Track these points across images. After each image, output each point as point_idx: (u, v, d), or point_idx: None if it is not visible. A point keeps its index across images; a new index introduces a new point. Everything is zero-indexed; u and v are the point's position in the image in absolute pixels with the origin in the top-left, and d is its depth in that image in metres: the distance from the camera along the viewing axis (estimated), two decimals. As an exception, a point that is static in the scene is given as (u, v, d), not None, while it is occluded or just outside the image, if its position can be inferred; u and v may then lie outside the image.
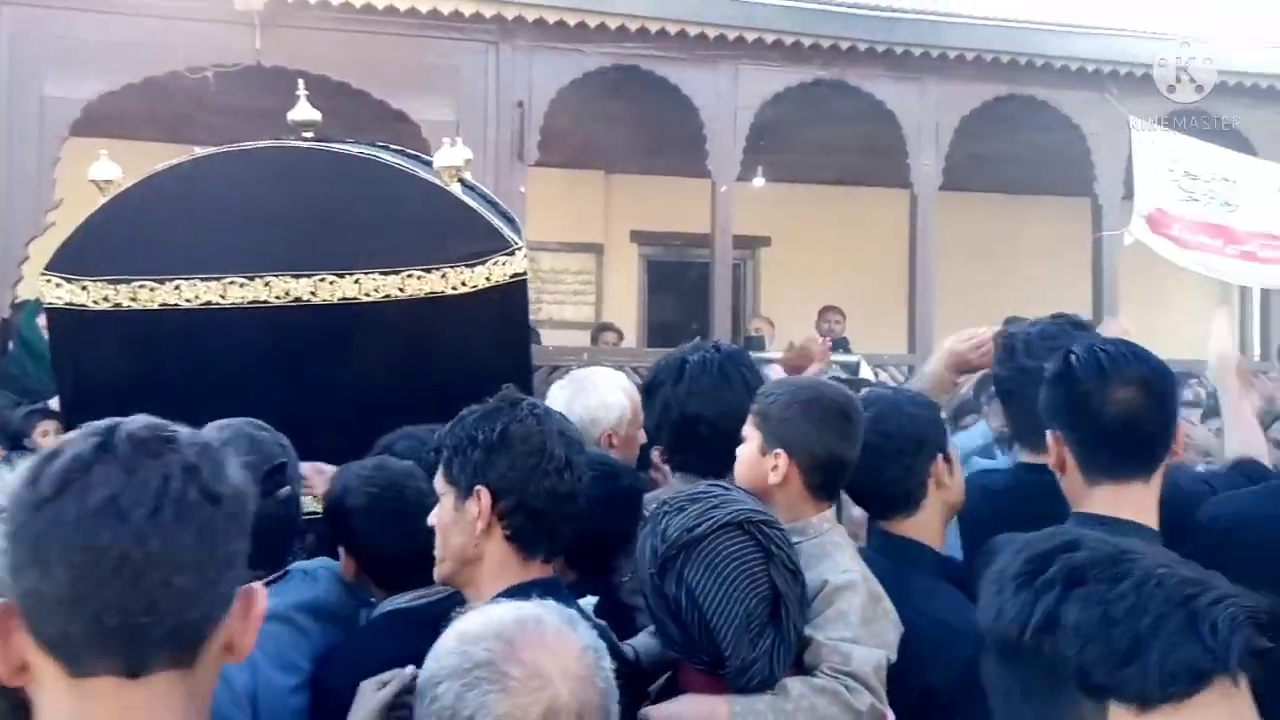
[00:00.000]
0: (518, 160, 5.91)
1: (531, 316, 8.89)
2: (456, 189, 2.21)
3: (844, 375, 5.61)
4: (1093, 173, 6.78)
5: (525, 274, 2.22)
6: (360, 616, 1.75)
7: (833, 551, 1.57)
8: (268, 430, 1.67)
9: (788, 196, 8.73)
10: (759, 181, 8.26)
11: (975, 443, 3.72)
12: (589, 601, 1.75)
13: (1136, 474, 1.53)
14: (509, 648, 0.94)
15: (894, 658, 1.50)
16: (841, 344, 6.81)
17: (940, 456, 1.74)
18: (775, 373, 3.36)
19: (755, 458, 1.64)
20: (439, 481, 1.47)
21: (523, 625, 0.97)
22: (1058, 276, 7.33)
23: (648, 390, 2.00)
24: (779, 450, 1.61)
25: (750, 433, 1.66)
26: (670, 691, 1.43)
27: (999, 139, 7.33)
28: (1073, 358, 1.57)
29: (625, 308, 8.95)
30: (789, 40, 6.07)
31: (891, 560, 1.72)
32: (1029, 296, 6.90)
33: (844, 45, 6.20)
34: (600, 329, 7.67)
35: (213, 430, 1.50)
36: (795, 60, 6.25)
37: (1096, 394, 1.53)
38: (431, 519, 1.46)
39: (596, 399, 2.21)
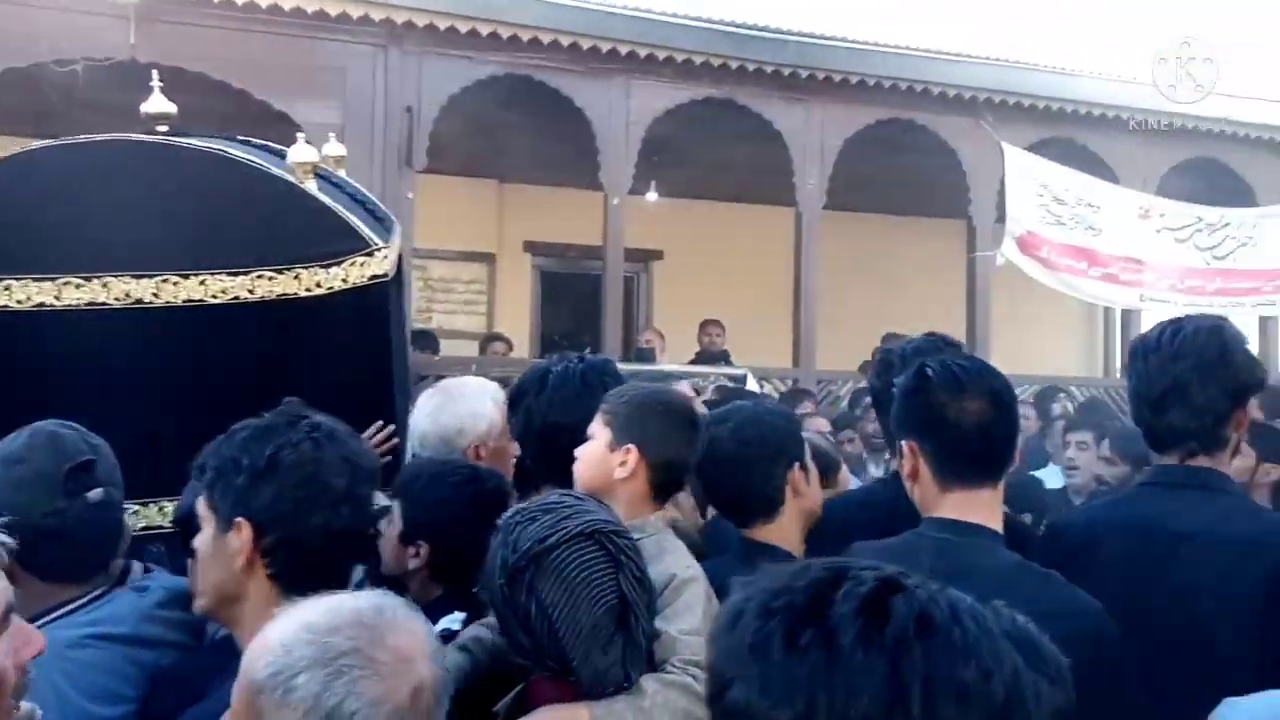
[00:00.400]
0: (406, 166, 5.83)
1: (424, 325, 8.72)
2: (311, 185, 2.11)
3: (730, 386, 5.73)
4: (968, 196, 7.08)
5: (387, 276, 2.12)
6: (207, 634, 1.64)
7: (669, 549, 1.60)
8: (75, 429, 1.55)
9: (680, 211, 8.84)
10: (652, 196, 8.34)
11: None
12: (456, 618, 1.72)
13: (986, 480, 1.61)
14: (373, 634, 0.97)
15: None
16: (722, 357, 6.93)
17: (797, 465, 1.80)
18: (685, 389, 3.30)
19: (602, 453, 1.66)
20: (200, 505, 1.35)
21: (380, 612, 1.00)
22: (935, 294, 7.64)
23: (512, 401, 1.99)
24: (630, 446, 1.64)
25: (598, 430, 1.68)
26: (521, 704, 1.43)
27: (881, 161, 7.58)
28: (929, 371, 1.64)
29: (518, 318, 8.90)
30: (681, 57, 6.16)
31: (753, 566, 1.77)
32: (907, 314, 7.17)
33: (734, 65, 6.32)
34: (489, 339, 7.61)
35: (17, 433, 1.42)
36: (687, 77, 6.34)
37: (952, 405, 1.60)
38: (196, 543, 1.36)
39: (466, 408, 2.17)
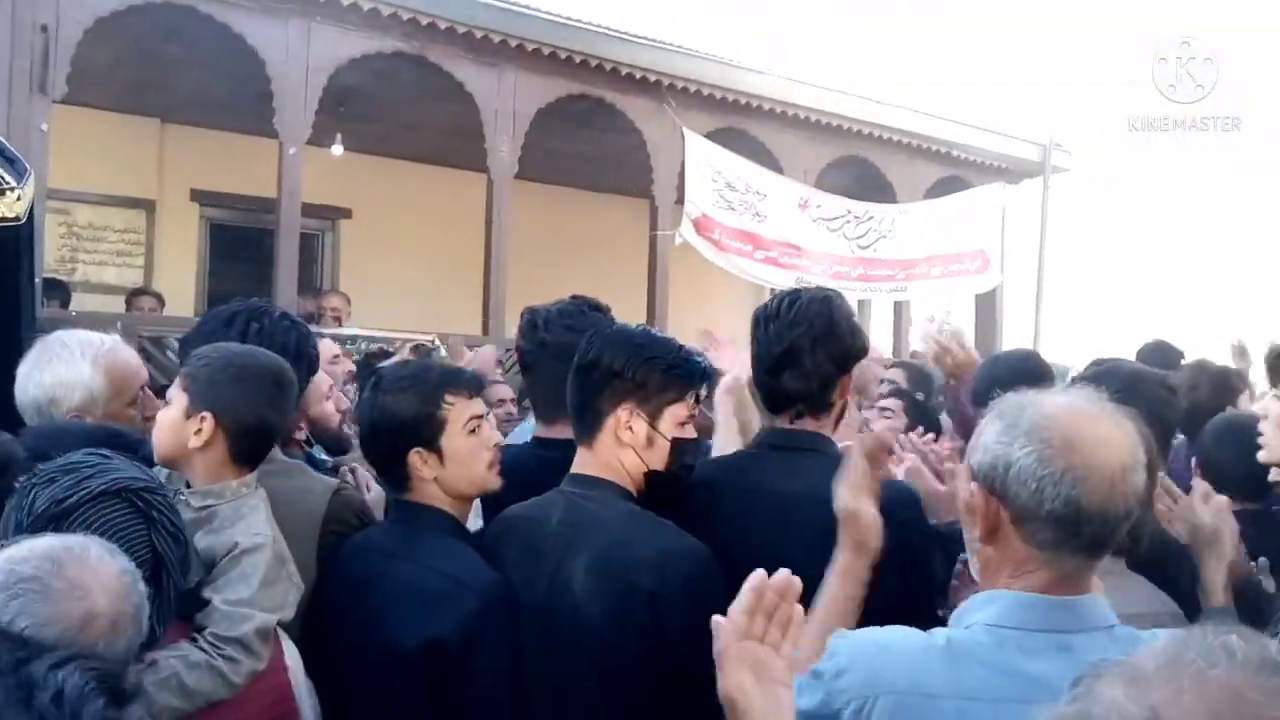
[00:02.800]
0: (39, 93, 5.10)
1: (67, 276, 7.71)
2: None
3: (428, 346, 5.56)
4: (651, 176, 7.41)
5: (19, 220, 1.91)
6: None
7: (248, 514, 1.59)
8: None
9: (370, 168, 8.49)
10: (338, 149, 7.93)
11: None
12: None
13: (580, 439, 1.75)
14: (55, 565, 1.11)
15: (289, 616, 1.58)
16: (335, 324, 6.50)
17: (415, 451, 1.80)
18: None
19: (178, 421, 1.62)
20: None
21: (70, 549, 1.14)
22: (620, 269, 7.91)
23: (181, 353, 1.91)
24: (205, 413, 1.60)
25: (176, 395, 1.64)
26: None
27: (572, 135, 7.73)
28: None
29: (182, 273, 8.13)
30: (367, 6, 5.88)
31: (403, 525, 1.78)
32: (596, 286, 7.30)
33: (425, 21, 6.13)
34: (135, 294, 6.88)
35: None
36: (374, 27, 6.06)
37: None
38: None
39: (54, 376, 1.92)
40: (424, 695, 1.58)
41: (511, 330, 6.99)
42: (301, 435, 2.22)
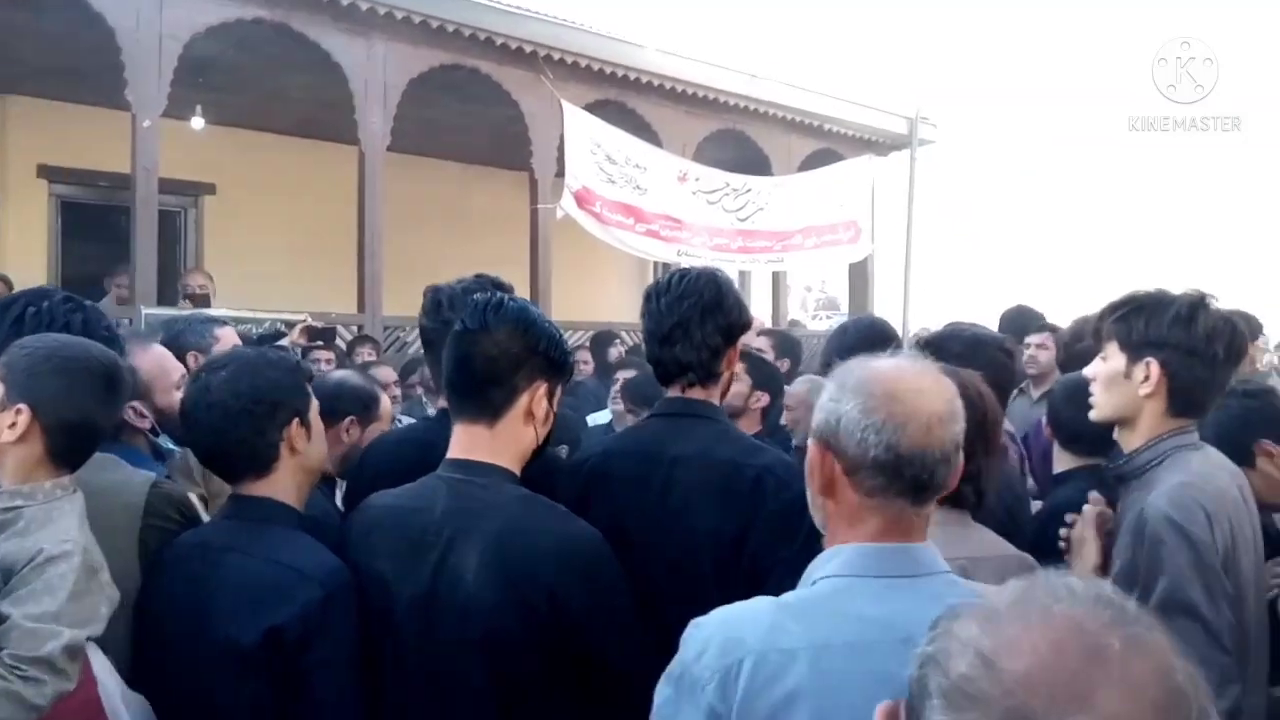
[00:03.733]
0: None
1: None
2: None
3: (320, 328, 5.36)
4: (530, 149, 7.33)
5: None
6: None
7: (58, 519, 1.48)
8: None
9: (234, 142, 8.13)
10: (198, 122, 7.57)
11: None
12: None
13: (481, 417, 1.67)
14: None
15: (99, 631, 1.47)
16: (203, 303, 6.20)
17: (296, 421, 1.72)
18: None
19: None
20: None
21: None
22: (504, 243, 7.82)
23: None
24: (21, 406, 1.50)
25: None
26: None
27: (448, 106, 7.58)
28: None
29: (31, 255, 7.63)
30: (224, -30, 5.61)
31: (242, 520, 1.70)
32: (478, 261, 7.12)
33: (287, -14, 5.89)
34: (-30, 276, 6.43)
35: None
36: (232, -7, 5.79)
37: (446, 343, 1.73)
38: None
39: None
40: (267, 690, 1.51)
41: (389, 308, 6.87)
42: (146, 424, 2.10)
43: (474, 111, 7.75)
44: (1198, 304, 1.81)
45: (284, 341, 4.89)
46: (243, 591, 1.55)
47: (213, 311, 5.88)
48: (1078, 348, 3.71)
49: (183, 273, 7.23)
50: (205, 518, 1.89)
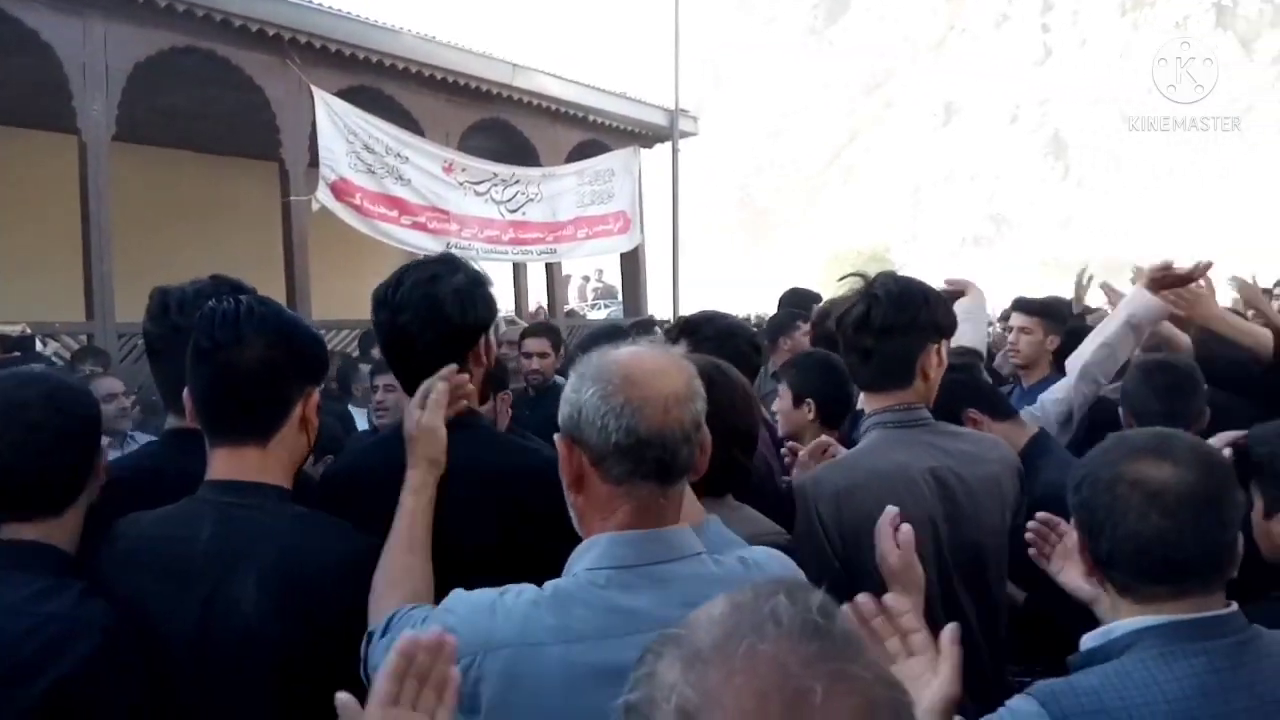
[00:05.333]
0: None
1: None
2: None
3: (15, 337, 4.76)
4: (279, 138, 6.89)
5: None
6: None
7: None
8: None
9: (-74, 131, 7.16)
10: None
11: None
12: None
13: (250, 438, 1.51)
14: None
15: None
16: None
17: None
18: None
19: None
20: None
21: None
22: (253, 238, 7.35)
23: None
24: None
25: None
26: None
27: (183, 93, 7.01)
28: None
29: None
30: (-105, -66, 4.89)
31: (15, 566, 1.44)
32: (226, 260, 6.64)
33: (-22, -44, 5.22)
34: None
35: None
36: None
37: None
38: None
39: None
40: None
41: (123, 314, 6.25)
42: None
43: (214, 98, 7.20)
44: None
45: None
46: (20, 647, 1.34)
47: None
48: (825, 326, 3.90)
49: None
50: None
